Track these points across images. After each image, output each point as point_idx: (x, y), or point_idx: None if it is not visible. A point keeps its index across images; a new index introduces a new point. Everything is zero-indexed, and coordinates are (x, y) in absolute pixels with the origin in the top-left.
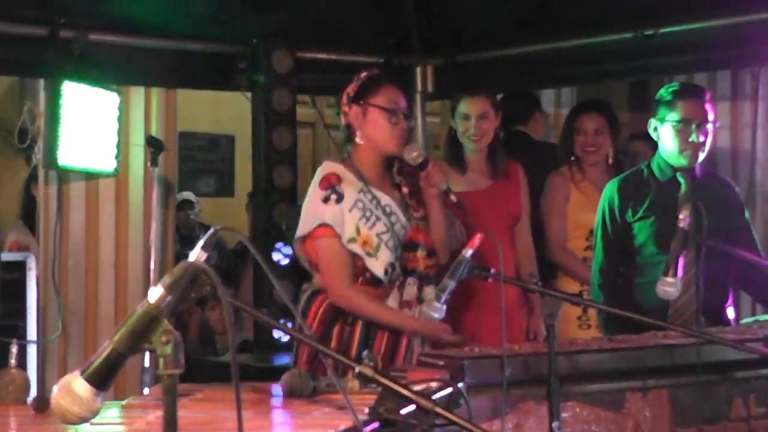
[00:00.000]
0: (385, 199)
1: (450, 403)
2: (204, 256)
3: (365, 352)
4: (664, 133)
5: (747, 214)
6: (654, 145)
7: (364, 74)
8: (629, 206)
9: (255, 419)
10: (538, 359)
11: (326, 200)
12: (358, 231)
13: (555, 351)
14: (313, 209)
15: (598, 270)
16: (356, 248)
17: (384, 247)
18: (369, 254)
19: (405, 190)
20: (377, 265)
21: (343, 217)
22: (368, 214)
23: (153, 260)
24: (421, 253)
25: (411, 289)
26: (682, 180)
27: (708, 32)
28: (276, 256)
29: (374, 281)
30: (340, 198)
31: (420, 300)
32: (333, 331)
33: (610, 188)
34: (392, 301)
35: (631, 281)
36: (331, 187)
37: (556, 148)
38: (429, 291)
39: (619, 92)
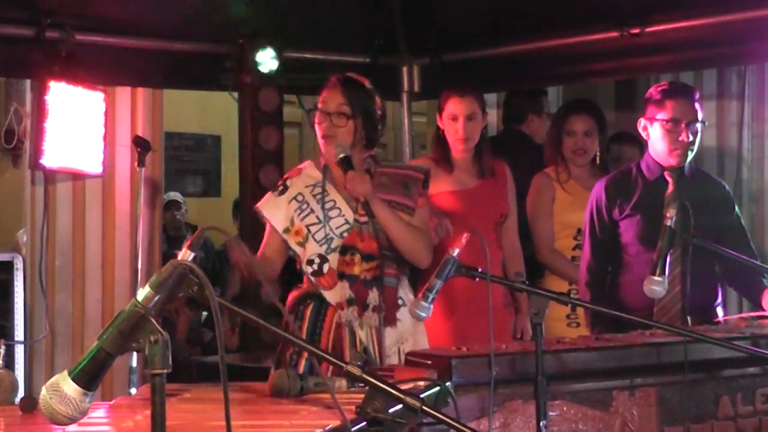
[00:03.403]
0: (335, 195)
1: (437, 402)
2: (191, 255)
3: (352, 352)
4: (654, 132)
5: (737, 211)
6: (639, 146)
7: None
8: (616, 204)
9: (243, 419)
10: (525, 358)
11: (273, 189)
12: (292, 222)
13: (542, 350)
14: None
15: (586, 268)
16: (289, 238)
17: (311, 238)
18: (300, 244)
19: None
20: (303, 257)
21: (278, 206)
22: (304, 206)
23: (140, 261)
24: (355, 258)
25: (342, 292)
26: (669, 179)
27: (694, 31)
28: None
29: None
30: (283, 190)
31: (350, 302)
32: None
33: (599, 187)
34: (334, 296)
35: (617, 279)
36: (284, 180)
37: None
38: (373, 295)
39: (605, 91)
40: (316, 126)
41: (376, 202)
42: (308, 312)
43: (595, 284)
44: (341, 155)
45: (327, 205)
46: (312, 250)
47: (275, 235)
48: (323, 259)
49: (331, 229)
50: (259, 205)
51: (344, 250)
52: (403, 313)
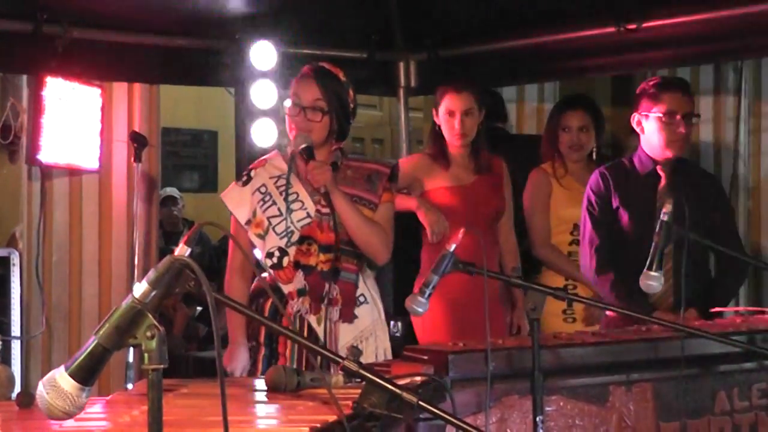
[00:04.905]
0: (298, 188)
1: (434, 397)
2: (187, 251)
3: (350, 347)
4: (649, 126)
5: (729, 204)
6: None
7: None
8: (610, 194)
9: (239, 414)
10: (522, 353)
11: (237, 180)
12: (254, 214)
13: (539, 345)
14: None
15: (594, 251)
16: (250, 230)
17: (272, 231)
18: (259, 236)
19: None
20: (263, 250)
21: (242, 198)
22: (267, 198)
23: (137, 256)
24: (312, 248)
25: (297, 282)
26: (662, 173)
27: (691, 27)
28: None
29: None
30: (247, 181)
31: (301, 293)
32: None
33: (595, 176)
34: (290, 289)
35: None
36: (248, 171)
37: (533, 140)
38: (330, 287)
39: (602, 87)
40: (287, 118)
41: (336, 193)
42: (267, 305)
43: (611, 264)
44: (303, 145)
45: (290, 198)
46: (272, 242)
47: (242, 229)
48: (283, 252)
49: (292, 222)
50: (223, 194)
51: (302, 239)
52: (363, 311)
